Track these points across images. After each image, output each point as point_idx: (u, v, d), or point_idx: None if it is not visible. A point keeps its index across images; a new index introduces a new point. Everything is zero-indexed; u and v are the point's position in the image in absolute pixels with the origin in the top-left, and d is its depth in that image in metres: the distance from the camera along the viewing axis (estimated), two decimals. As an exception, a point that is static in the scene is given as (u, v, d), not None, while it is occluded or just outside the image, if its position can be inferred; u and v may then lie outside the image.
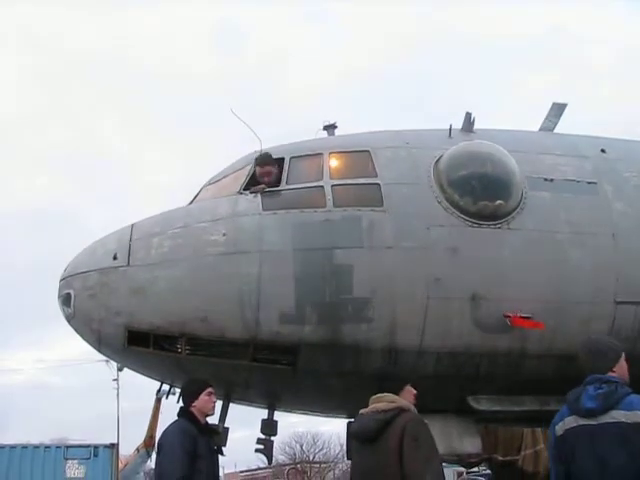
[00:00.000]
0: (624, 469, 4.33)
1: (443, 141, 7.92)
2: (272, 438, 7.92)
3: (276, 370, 7.19)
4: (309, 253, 7.11)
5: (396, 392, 5.56)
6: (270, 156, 7.73)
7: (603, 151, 8.51)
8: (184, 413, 6.26)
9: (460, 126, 8.21)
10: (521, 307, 7.21)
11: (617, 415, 4.40)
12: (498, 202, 7.45)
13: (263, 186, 7.56)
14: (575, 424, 4.60)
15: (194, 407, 6.24)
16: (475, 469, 20.48)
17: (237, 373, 7.27)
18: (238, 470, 54.74)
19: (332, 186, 7.43)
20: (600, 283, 7.59)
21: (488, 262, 7.34)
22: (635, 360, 7.84)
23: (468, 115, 8.18)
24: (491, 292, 7.25)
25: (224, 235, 7.18)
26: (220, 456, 6.61)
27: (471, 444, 7.57)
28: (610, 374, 4.66)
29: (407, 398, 5.60)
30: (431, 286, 7.10)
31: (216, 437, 6.68)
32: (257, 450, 7.85)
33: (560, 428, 4.73)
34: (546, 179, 7.90)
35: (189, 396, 6.34)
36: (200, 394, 6.28)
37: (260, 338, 6.99)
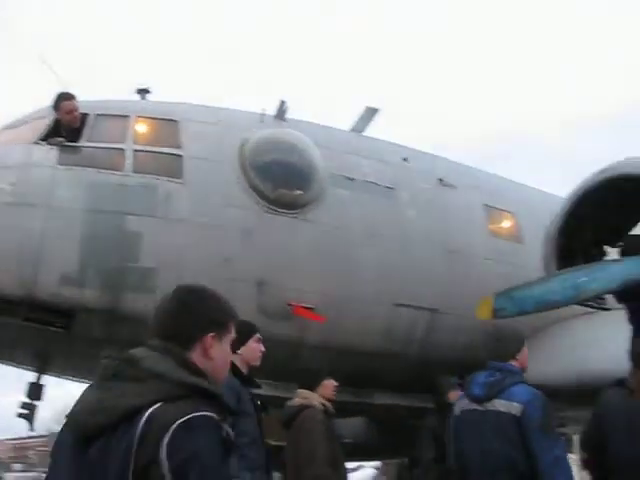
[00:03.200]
0: (498, 456, 4.52)
1: (253, 124, 7.93)
2: (37, 403, 7.57)
3: (49, 332, 6.87)
4: (99, 215, 6.86)
5: (314, 386, 5.87)
6: (74, 95, 7.42)
7: (405, 160, 8.89)
8: None
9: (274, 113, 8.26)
10: (305, 297, 7.39)
11: (498, 404, 4.58)
12: (297, 192, 7.59)
13: (62, 139, 7.21)
14: (468, 407, 4.77)
15: (240, 355, 4.89)
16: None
17: (5, 331, 6.88)
18: (5, 438, 51.50)
19: (134, 151, 7.25)
20: (383, 284, 7.93)
21: (279, 249, 7.45)
22: (405, 361, 8.31)
23: (282, 102, 8.23)
24: (278, 279, 7.36)
25: (12, 185, 6.76)
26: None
27: None
28: (512, 362, 4.81)
29: (325, 391, 5.89)
30: (220, 265, 7.09)
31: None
32: (20, 415, 7.49)
33: (457, 408, 4.90)
34: (347, 178, 8.13)
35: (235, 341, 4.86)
36: (248, 339, 4.97)
37: (36, 297, 6.65)
